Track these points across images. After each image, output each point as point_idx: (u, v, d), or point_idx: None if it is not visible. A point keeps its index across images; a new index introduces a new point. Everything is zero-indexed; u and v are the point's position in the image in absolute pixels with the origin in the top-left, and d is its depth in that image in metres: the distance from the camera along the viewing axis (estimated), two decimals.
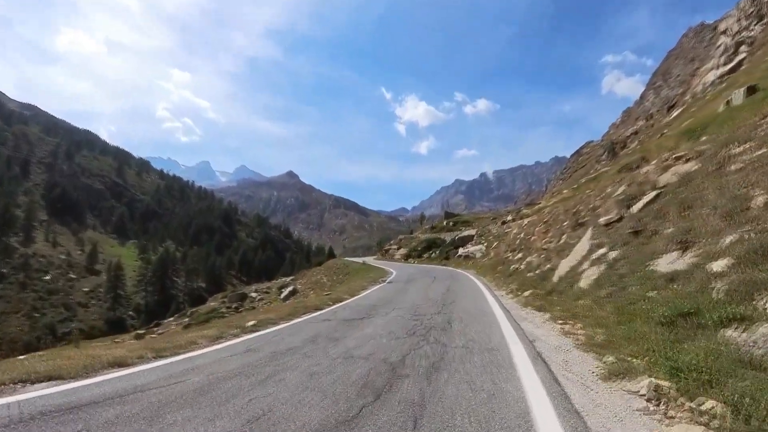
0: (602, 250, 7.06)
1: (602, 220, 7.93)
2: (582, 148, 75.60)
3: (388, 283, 15.48)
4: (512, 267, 12.96)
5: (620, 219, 7.46)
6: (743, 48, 26.29)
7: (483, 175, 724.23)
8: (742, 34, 27.84)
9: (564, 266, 8.05)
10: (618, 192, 8.81)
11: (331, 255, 77.11)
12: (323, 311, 8.46)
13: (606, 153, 44.34)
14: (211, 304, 43.24)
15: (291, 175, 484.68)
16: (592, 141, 74.32)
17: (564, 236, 10.20)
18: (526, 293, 8.24)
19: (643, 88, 60.63)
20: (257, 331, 6.26)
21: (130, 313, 67.37)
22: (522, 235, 17.26)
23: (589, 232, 8.12)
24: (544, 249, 11.03)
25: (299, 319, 7.43)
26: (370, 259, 46.89)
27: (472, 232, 33.35)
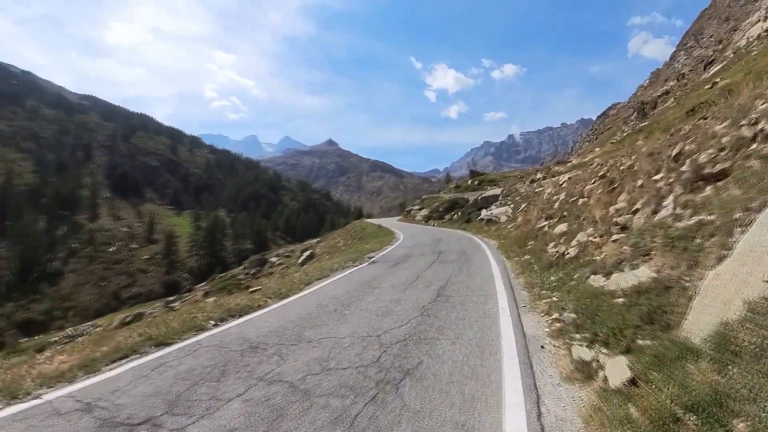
0: None
1: None
2: (608, 109, 69.46)
3: (371, 263, 10.53)
4: (552, 250, 7.22)
5: None
6: None
7: (511, 137, 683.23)
8: None
9: (723, 297, 2.61)
10: None
11: (359, 216, 73.24)
12: (155, 355, 3.61)
13: (635, 113, 41.14)
14: (241, 267, 40.91)
15: (330, 143, 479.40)
16: (618, 102, 68.12)
17: (668, 202, 4.58)
18: (619, 376, 2.55)
19: (671, 51, 55.94)
20: None
21: (185, 275, 68.23)
22: (562, 195, 11.31)
23: None
24: (618, 224, 5.46)
25: (59, 393, 2.73)
26: (393, 221, 42.22)
27: (497, 191, 27.28)
